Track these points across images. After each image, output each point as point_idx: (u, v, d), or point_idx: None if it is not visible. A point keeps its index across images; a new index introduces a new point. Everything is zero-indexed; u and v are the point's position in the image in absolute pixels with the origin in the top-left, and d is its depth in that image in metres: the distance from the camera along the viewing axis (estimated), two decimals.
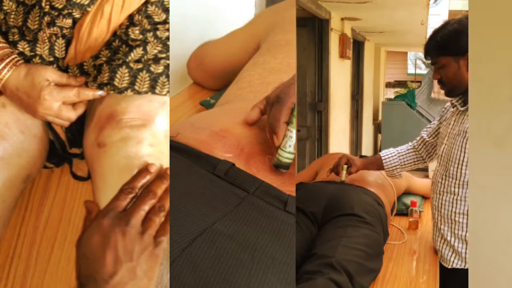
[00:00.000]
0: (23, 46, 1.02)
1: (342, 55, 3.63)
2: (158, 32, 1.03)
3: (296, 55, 1.14)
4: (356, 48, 4.80)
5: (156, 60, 1.02)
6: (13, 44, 1.02)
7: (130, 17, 1.03)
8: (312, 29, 3.29)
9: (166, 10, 1.03)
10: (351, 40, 4.05)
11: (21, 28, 1.03)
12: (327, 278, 1.13)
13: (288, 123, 0.82)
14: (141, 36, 1.02)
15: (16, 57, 0.99)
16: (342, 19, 3.61)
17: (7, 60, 0.97)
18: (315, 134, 3.43)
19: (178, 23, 1.39)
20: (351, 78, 4.40)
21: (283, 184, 0.82)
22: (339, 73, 3.74)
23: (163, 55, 1.02)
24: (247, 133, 0.89)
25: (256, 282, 0.67)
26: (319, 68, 3.35)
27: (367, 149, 5.69)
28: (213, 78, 1.48)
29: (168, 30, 1.03)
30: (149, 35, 1.02)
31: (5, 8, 1.02)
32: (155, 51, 1.02)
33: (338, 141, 3.81)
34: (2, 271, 1.06)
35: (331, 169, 1.68)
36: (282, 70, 1.09)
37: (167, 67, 1.02)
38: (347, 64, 4.11)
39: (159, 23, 1.03)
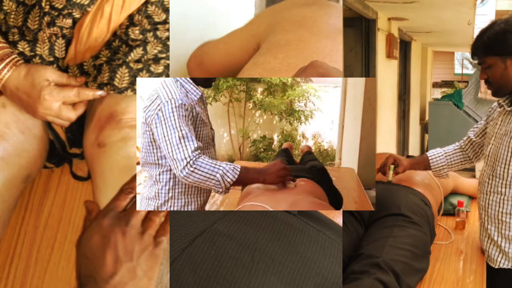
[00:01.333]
0: (23, 46, 1.02)
1: (389, 55, 3.62)
2: (158, 32, 1.03)
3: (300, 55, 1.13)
4: (403, 48, 4.77)
5: (156, 60, 1.02)
6: (13, 44, 1.02)
7: (130, 17, 1.03)
8: (359, 29, 3.28)
9: (166, 10, 1.03)
10: (398, 40, 4.03)
11: (21, 28, 1.03)
12: (373, 278, 1.14)
13: None
14: (141, 36, 1.02)
15: (16, 57, 0.99)
16: (389, 19, 3.60)
17: (7, 60, 0.97)
18: None
19: (178, 23, 1.38)
20: (398, 78, 4.38)
21: None
22: (386, 73, 3.73)
23: (163, 55, 1.02)
24: None
25: (256, 282, 0.67)
26: (366, 68, 3.34)
27: (414, 149, 5.66)
28: None
29: (168, 30, 1.03)
30: (149, 35, 1.02)
31: (5, 8, 1.02)
32: (155, 51, 1.02)
33: (385, 141, 3.80)
34: (2, 271, 1.06)
35: (378, 169, 1.68)
36: (282, 70, 1.09)
37: (167, 67, 1.02)
38: (394, 64, 4.10)
39: (159, 23, 1.03)
